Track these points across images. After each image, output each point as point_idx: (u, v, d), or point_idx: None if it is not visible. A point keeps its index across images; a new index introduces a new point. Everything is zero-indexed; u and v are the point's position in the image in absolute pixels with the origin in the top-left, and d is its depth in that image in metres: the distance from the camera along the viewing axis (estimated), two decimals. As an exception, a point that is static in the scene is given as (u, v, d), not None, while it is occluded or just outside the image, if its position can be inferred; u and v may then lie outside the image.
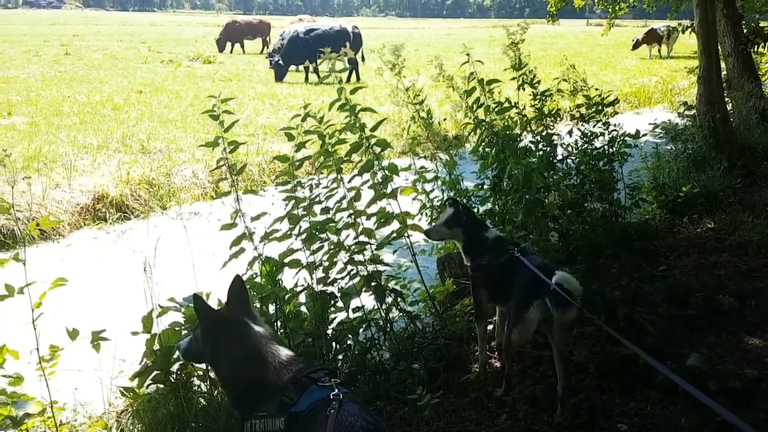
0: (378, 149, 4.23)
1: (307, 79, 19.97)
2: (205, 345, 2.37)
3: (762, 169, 8.03)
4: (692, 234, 6.00)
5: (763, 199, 6.85)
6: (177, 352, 2.67)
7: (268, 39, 29.08)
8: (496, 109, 5.28)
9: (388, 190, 4.25)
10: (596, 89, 6.08)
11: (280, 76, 19.65)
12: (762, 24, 15.52)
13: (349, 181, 4.15)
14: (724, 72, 9.80)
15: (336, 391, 2.07)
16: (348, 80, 19.69)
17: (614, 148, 5.97)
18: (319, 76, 20.30)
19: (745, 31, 11.02)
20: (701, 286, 4.68)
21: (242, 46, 29.32)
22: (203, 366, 3.38)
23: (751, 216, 6.17)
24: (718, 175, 7.22)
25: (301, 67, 20.67)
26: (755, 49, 13.14)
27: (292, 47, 19.93)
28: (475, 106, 5.28)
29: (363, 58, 21.32)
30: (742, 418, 3.28)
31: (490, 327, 4.16)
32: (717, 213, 6.46)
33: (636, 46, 27.58)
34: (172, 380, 3.34)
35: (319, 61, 19.81)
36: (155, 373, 3.30)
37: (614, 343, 3.82)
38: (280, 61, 19.65)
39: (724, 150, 7.79)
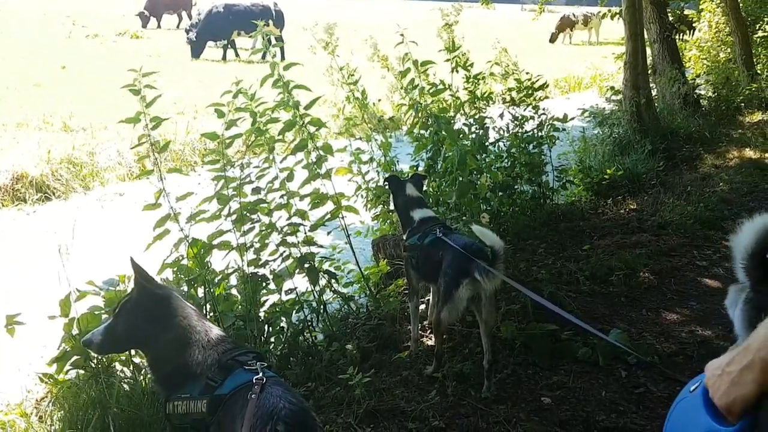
0: (313, 128, 4.17)
1: (224, 57, 19.46)
2: (143, 326, 2.22)
3: (683, 152, 8.41)
4: (616, 215, 6.22)
5: (683, 182, 7.18)
6: (86, 346, 2.39)
7: (189, 14, 27.86)
8: (431, 91, 5.31)
9: (323, 171, 4.21)
10: (527, 73, 6.20)
11: (196, 53, 19.05)
12: (686, 12, 16.13)
13: (282, 161, 4.08)
14: (650, 58, 10.14)
15: (260, 374, 2.03)
16: (282, 58, 19.32)
17: (543, 132, 6.12)
18: (237, 53, 19.83)
19: (670, 18, 11.40)
20: (623, 265, 4.86)
21: (159, 20, 27.86)
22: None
23: (671, 197, 6.45)
24: (641, 158, 7.50)
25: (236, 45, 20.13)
26: (680, 36, 13.66)
27: (209, 23, 19.36)
28: (410, 88, 5.29)
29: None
30: (660, 390, 3.49)
31: (422, 306, 4.21)
32: (640, 195, 6.72)
33: (553, 38, 28.09)
34: (93, 365, 3.22)
35: (248, 37, 19.31)
36: (75, 358, 3.17)
37: (539, 320, 3.94)
38: (194, 38, 19.05)
39: (648, 134, 8.10)
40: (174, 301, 2.26)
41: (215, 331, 2.27)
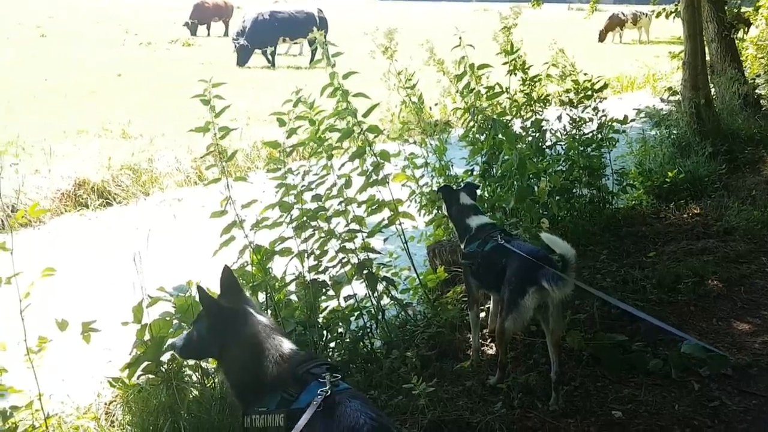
0: (371, 135, 4.17)
1: (273, 63, 19.53)
2: (212, 339, 2.28)
3: (745, 154, 8.09)
4: (679, 220, 6.02)
5: (747, 185, 6.91)
6: (170, 349, 2.49)
7: (228, 21, 28.24)
8: (487, 94, 5.25)
9: (380, 177, 4.20)
10: (585, 74, 6.07)
11: (243, 60, 19.16)
12: (743, 9, 15.58)
13: (340, 168, 4.09)
14: (708, 57, 9.81)
15: (325, 388, 2.03)
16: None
17: (603, 134, 5.98)
18: (271, 62, 19.75)
19: (727, 16, 11.01)
20: (690, 272, 4.70)
21: (208, 28, 28.23)
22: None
23: (736, 202, 6.21)
24: (702, 160, 7.24)
25: (280, 51, 20.32)
26: (737, 35, 13.18)
27: (256, 30, 19.47)
28: (465, 91, 5.24)
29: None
30: (735, 404, 3.35)
31: (482, 314, 4.15)
32: (702, 199, 6.49)
33: (602, 37, 27.42)
34: (163, 371, 3.28)
35: (294, 44, 19.44)
36: (146, 363, 3.23)
37: (606, 330, 3.83)
38: (246, 44, 19.15)
39: (708, 135, 7.82)
40: (242, 317, 2.29)
41: (287, 344, 2.27)
